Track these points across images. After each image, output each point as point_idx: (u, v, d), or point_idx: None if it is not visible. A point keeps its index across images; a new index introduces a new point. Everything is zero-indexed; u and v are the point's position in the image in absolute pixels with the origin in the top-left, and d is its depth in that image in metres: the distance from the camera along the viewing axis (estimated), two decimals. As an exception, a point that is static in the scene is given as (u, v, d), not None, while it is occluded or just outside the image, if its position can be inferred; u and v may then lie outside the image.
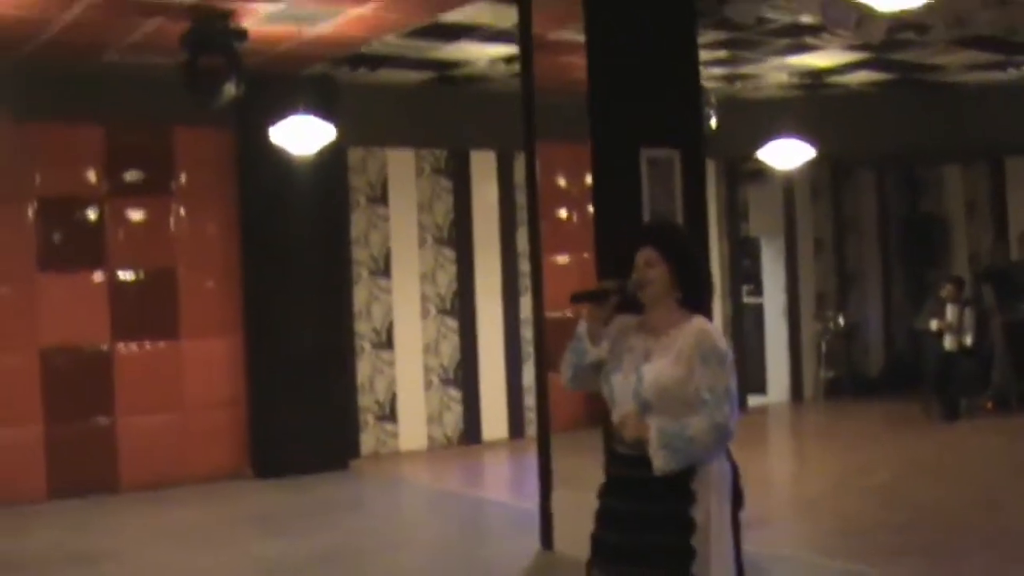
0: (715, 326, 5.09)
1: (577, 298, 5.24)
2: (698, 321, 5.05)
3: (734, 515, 5.11)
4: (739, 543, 5.14)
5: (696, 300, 5.14)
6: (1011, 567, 9.00)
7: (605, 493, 5.21)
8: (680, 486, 4.93)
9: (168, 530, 11.83)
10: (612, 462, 5.19)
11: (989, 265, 18.90)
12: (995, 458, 14.15)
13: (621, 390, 5.09)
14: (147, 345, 14.02)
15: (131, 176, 14.05)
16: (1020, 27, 13.42)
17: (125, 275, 13.96)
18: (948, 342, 16.73)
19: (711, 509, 4.94)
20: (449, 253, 16.24)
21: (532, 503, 10.62)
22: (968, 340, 16.75)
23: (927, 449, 14.80)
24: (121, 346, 13.85)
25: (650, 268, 5.10)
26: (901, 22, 12.60)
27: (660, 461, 4.89)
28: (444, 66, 14.47)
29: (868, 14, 10.89)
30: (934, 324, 16.84)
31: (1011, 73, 16.35)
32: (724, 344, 5.02)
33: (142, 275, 14.05)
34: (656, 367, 4.99)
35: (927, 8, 9.81)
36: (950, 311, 16.79)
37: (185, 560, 10.46)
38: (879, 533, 10.27)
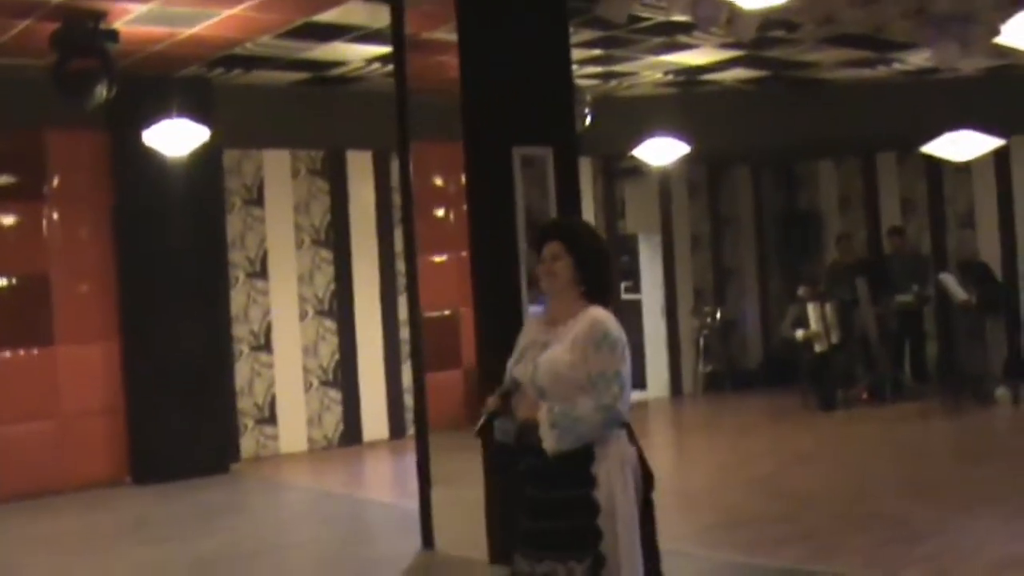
0: (609, 315, 5.25)
1: (482, 432, 5.42)
2: (593, 310, 5.24)
3: (646, 497, 5.31)
4: (652, 523, 5.36)
5: (599, 293, 5.34)
6: (885, 549, 9.17)
7: (520, 483, 5.39)
8: (581, 471, 5.12)
9: (46, 538, 11.68)
10: (523, 454, 5.32)
11: (862, 258, 19.19)
12: (870, 447, 14.39)
13: (523, 380, 5.30)
14: (21, 352, 13.82)
15: (2, 180, 13.84)
16: (887, 25, 13.64)
17: (-3, 281, 13.77)
18: (817, 345, 16.99)
19: (614, 491, 5.11)
20: (326, 254, 16.19)
21: (413, 502, 10.63)
22: (835, 338, 17.02)
23: (805, 440, 15.02)
24: (-6, 353, 13.66)
25: (556, 261, 5.34)
26: (771, 20, 12.76)
27: (551, 440, 5.10)
28: (319, 66, 14.43)
29: (737, 11, 11.04)
30: (799, 334, 17.10)
31: (880, 70, 16.61)
32: (617, 331, 5.20)
33: (14, 281, 13.85)
34: (550, 355, 5.21)
35: (796, 6, 9.98)
36: (811, 311, 17.04)
37: (63, 568, 10.36)
38: (760, 524, 10.39)
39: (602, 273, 5.39)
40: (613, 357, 5.13)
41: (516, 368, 5.36)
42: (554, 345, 5.23)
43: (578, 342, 5.15)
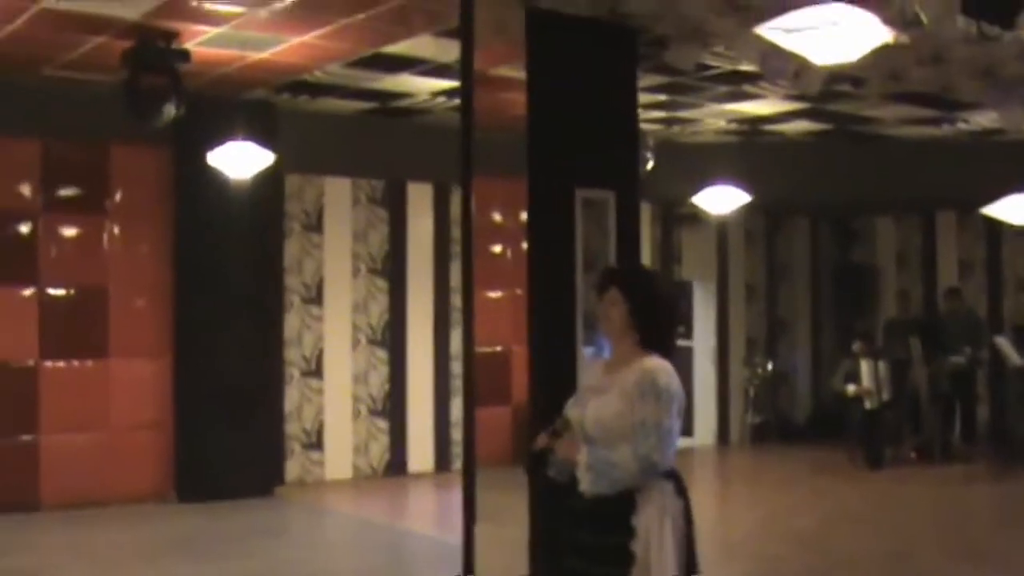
0: (665, 365, 5.25)
1: (530, 468, 5.52)
2: (648, 360, 5.25)
3: (689, 550, 5.31)
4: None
5: (655, 341, 5.35)
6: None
7: (560, 524, 5.45)
8: (621, 520, 5.13)
9: (88, 551, 11.74)
10: (569, 496, 5.35)
11: (918, 317, 19.11)
12: (917, 507, 14.27)
13: (574, 426, 5.36)
14: (75, 363, 13.92)
15: (66, 192, 13.98)
16: (954, 85, 13.60)
17: (55, 291, 13.86)
18: (867, 402, 16.87)
19: (651, 543, 5.11)
20: (382, 284, 16.24)
21: (455, 536, 10.60)
22: (886, 396, 16.91)
23: (851, 497, 14.91)
24: (48, 363, 13.74)
25: (612, 307, 5.38)
26: (838, 74, 12.75)
27: (586, 483, 5.16)
28: (385, 97, 14.50)
29: (806, 65, 11.03)
30: (851, 389, 16.98)
31: (945, 129, 16.56)
32: (666, 380, 5.19)
33: (73, 292, 13.96)
34: (600, 402, 5.24)
35: (863, 62, 9.96)
36: (864, 368, 16.92)
37: (103, 581, 10.40)
38: (799, 579, 10.34)
39: (659, 322, 5.41)
40: (657, 407, 5.13)
41: (571, 411, 5.40)
42: (607, 392, 5.25)
43: (627, 391, 5.17)
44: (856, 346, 17.34)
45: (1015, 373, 16.95)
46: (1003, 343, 17.13)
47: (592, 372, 5.57)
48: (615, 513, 5.13)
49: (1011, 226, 16.96)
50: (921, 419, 17.52)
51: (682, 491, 5.29)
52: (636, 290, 5.41)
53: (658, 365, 5.23)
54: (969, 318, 18.21)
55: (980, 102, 14.46)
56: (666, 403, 5.15)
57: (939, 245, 19.98)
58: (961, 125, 16.32)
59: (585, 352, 9.49)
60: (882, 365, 16.97)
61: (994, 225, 17.67)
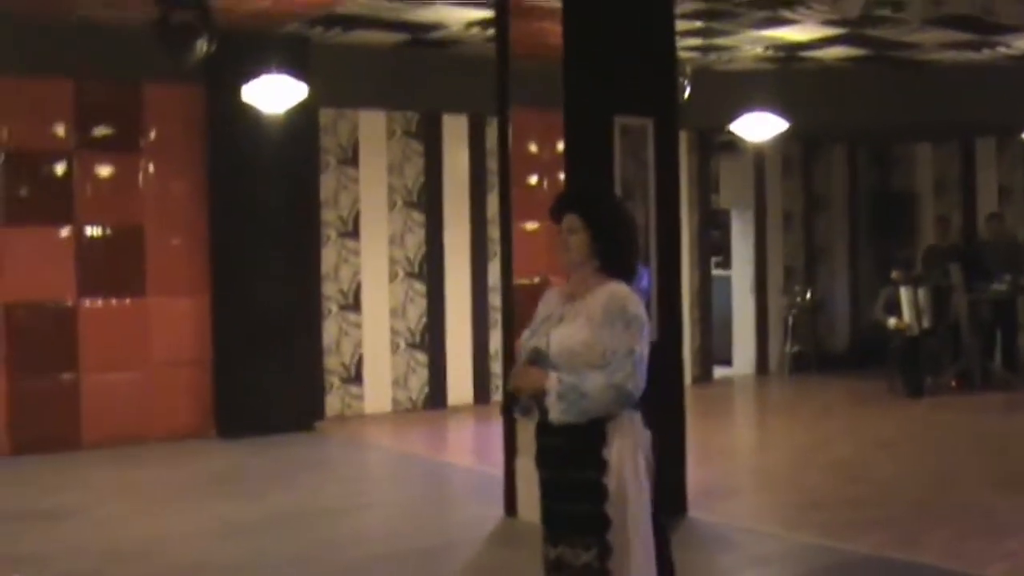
0: (629, 290, 5.06)
1: (507, 408, 5.30)
2: (612, 285, 5.05)
3: (653, 484, 5.11)
4: (657, 511, 5.13)
5: (616, 268, 5.14)
6: (970, 542, 9.03)
7: (537, 462, 5.24)
8: (592, 454, 4.96)
9: (130, 488, 11.79)
10: (538, 431, 5.18)
11: (958, 244, 18.98)
12: (956, 435, 14.20)
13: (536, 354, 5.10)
14: (113, 302, 13.95)
15: (100, 131, 13.95)
16: (996, 7, 13.43)
17: (92, 231, 13.87)
18: (908, 331, 16.74)
19: (625, 477, 4.95)
20: (418, 217, 16.20)
21: (496, 469, 10.62)
22: (926, 324, 16.77)
23: (891, 425, 14.85)
24: (86, 302, 13.77)
25: (572, 234, 5.14)
26: (878, -2, 12.61)
27: (555, 411, 4.92)
28: (418, 29, 14.40)
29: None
30: (892, 322, 16.83)
31: (985, 53, 16.36)
32: (635, 308, 5.01)
33: (109, 231, 13.96)
34: (564, 330, 5.03)
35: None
36: (904, 295, 16.76)
37: (146, 518, 10.43)
38: (840, 508, 10.29)
39: (621, 248, 5.19)
40: (627, 334, 4.93)
41: (530, 342, 5.15)
42: (567, 320, 5.06)
43: (593, 318, 4.97)
44: (895, 274, 17.20)
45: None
46: (1045, 269, 17.02)
47: (549, 300, 5.32)
48: (586, 447, 4.95)
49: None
50: (961, 347, 17.41)
51: (650, 423, 5.11)
52: (597, 215, 5.18)
53: (626, 292, 5.04)
54: (1010, 244, 18.06)
55: (1021, 25, 14.28)
56: (637, 330, 4.97)
57: (979, 171, 19.81)
58: (1001, 49, 16.12)
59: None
60: (922, 292, 16.83)
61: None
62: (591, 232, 5.12)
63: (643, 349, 4.98)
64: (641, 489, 5.00)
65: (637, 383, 4.95)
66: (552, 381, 4.93)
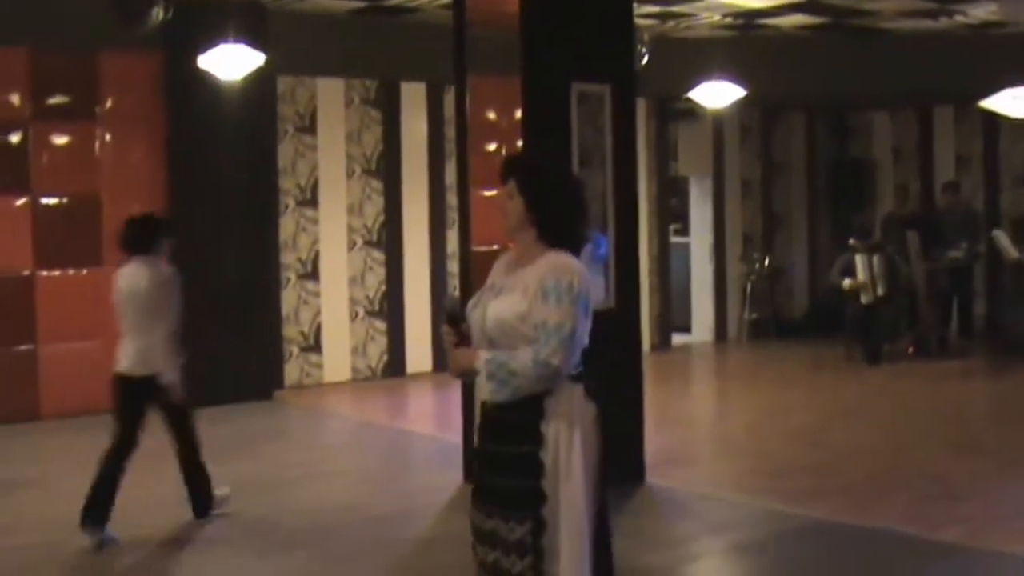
0: (570, 262, 4.88)
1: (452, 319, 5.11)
2: (553, 256, 4.89)
3: (600, 461, 4.97)
4: (601, 489, 4.99)
5: (553, 238, 4.96)
6: (926, 506, 9.13)
7: (477, 434, 5.15)
8: (529, 428, 4.83)
9: (89, 458, 11.63)
10: (480, 403, 5.08)
11: (914, 212, 19.07)
12: (914, 401, 14.29)
13: (473, 327, 4.99)
14: (70, 272, 13.87)
15: (56, 100, 13.85)
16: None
17: (48, 201, 13.78)
18: (863, 296, 16.83)
19: (561, 452, 4.81)
20: (377, 184, 16.16)
21: (455, 436, 10.64)
22: (881, 290, 16.84)
23: (848, 392, 14.95)
24: (43, 273, 13.70)
25: (508, 200, 5.01)
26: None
27: (485, 391, 4.84)
28: (376, -4, 14.37)
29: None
30: (846, 283, 16.92)
31: (943, 22, 16.41)
32: (571, 279, 4.81)
33: (65, 201, 13.88)
34: (501, 303, 4.88)
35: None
36: (859, 261, 16.84)
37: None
38: (799, 474, 10.36)
39: (560, 216, 5.00)
40: (559, 308, 4.74)
41: (472, 312, 5.01)
42: (506, 291, 4.90)
43: (529, 289, 4.81)
44: (853, 240, 17.27)
45: (1012, 267, 16.94)
46: (1000, 237, 17.12)
47: (498, 268, 5.17)
48: (522, 422, 4.82)
49: (1008, 119, 16.89)
50: (918, 314, 17.51)
51: (592, 395, 4.95)
52: (532, 182, 5.01)
53: (562, 262, 4.85)
54: (967, 212, 18.15)
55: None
56: (569, 303, 4.77)
57: (936, 139, 19.91)
58: (959, 18, 16.17)
59: (584, 249, 9.45)
60: (877, 259, 16.90)
61: (992, 119, 17.61)
62: (526, 199, 4.97)
63: (576, 323, 4.80)
64: (577, 465, 4.85)
65: (564, 358, 4.77)
66: (480, 361, 4.83)
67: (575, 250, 4.98)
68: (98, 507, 8.75)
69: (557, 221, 4.99)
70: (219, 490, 9.40)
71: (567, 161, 9.39)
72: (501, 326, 4.83)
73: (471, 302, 5.10)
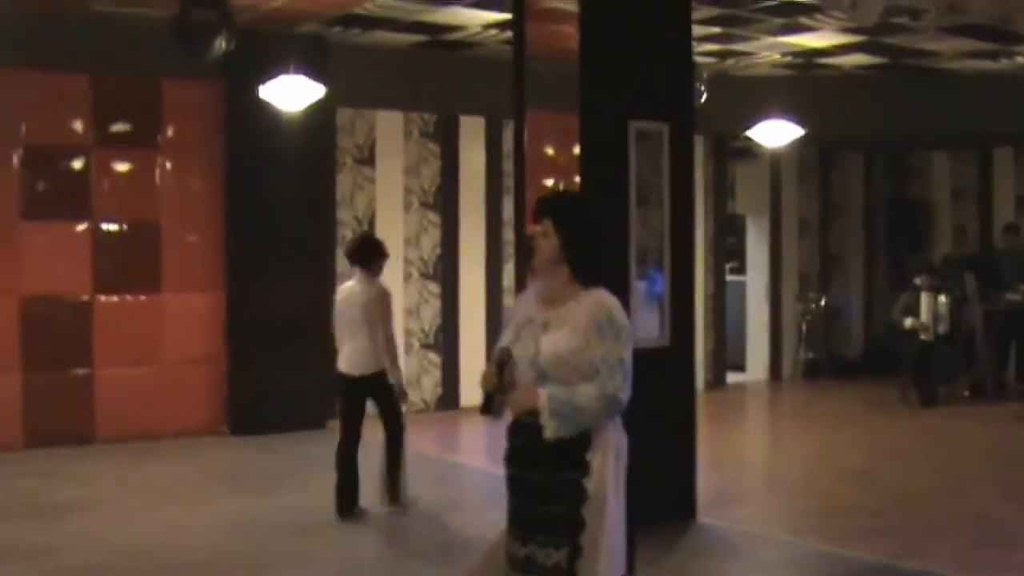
0: (613, 299, 5.13)
1: (486, 410, 5.23)
2: (596, 294, 5.11)
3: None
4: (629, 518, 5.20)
5: (590, 275, 5.16)
6: (980, 552, 9.04)
7: (510, 461, 5.25)
8: (575, 457, 5.00)
9: (141, 483, 11.82)
10: (515, 431, 5.20)
11: (974, 253, 18.96)
12: (969, 445, 14.18)
13: (521, 361, 5.12)
14: (128, 298, 14.01)
15: (118, 127, 14.02)
16: (1014, 16, 13.41)
17: (109, 227, 13.93)
18: (923, 335, 16.73)
19: (606, 481, 5.00)
20: (434, 218, 16.22)
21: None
22: (942, 329, 16.75)
23: (903, 434, 14.85)
24: (102, 298, 13.83)
25: (543, 238, 5.18)
26: (896, 6, 12.60)
27: (550, 429, 4.95)
28: (436, 30, 14.43)
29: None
30: (908, 322, 16.82)
31: (1003, 63, 16.34)
32: (621, 317, 5.07)
33: (125, 227, 14.02)
34: (553, 338, 5.05)
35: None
36: (924, 301, 16.76)
37: (155, 513, 10.46)
38: (852, 515, 10.29)
39: (594, 255, 5.21)
40: (617, 344, 4.99)
41: (515, 346, 5.16)
42: (554, 327, 5.09)
43: (579, 326, 5.01)
44: (920, 279, 17.13)
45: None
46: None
47: (525, 305, 5.34)
48: (569, 450, 5.00)
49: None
50: (975, 357, 17.39)
51: (626, 427, 5.18)
52: (568, 222, 5.19)
53: (611, 301, 5.10)
54: (1025, 255, 18.03)
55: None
56: (626, 339, 5.04)
57: (995, 181, 19.79)
58: (1019, 59, 16.11)
59: (638, 286, 9.46)
60: (942, 299, 16.81)
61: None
62: (561, 239, 5.14)
63: (629, 357, 5.05)
64: (618, 493, 5.07)
65: (627, 392, 5.02)
66: (543, 399, 4.97)
67: (608, 287, 5.17)
68: (347, 499, 10.24)
69: (592, 261, 5.18)
70: (411, 491, 10.67)
71: (625, 199, 9.40)
72: (557, 361, 5.00)
73: (504, 335, 5.28)
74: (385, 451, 10.63)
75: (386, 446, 10.60)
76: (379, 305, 10.19)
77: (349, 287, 10.48)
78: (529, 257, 5.34)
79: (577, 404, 4.93)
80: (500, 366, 5.12)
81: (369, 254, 10.46)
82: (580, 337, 4.99)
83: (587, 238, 5.21)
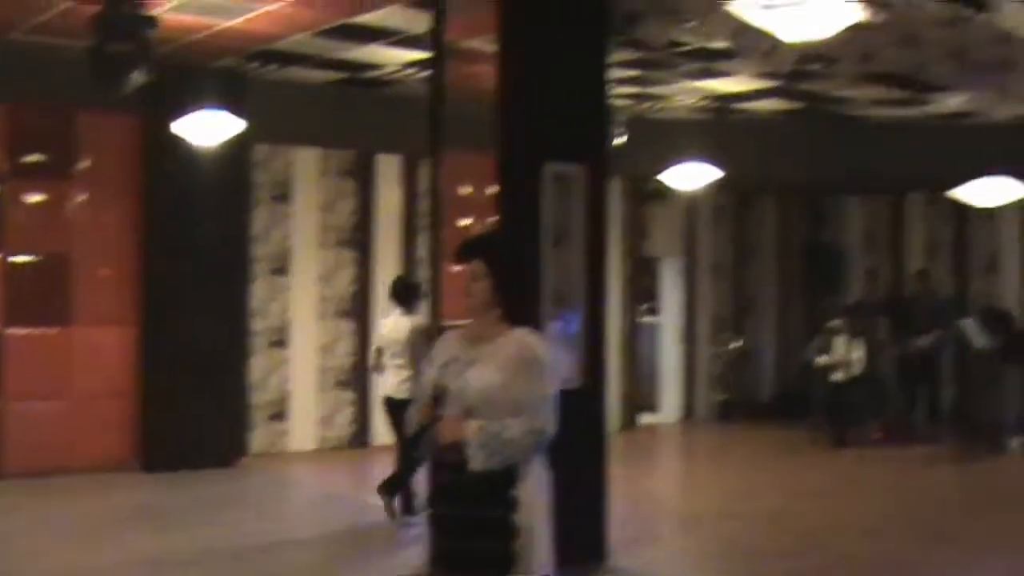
0: (538, 336, 5.25)
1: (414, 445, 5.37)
2: (521, 332, 5.19)
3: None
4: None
5: (515, 313, 5.25)
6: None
7: (435, 501, 5.26)
8: (503, 493, 5.02)
9: (49, 520, 11.69)
10: (438, 469, 5.21)
11: (886, 297, 19.19)
12: (879, 487, 14.31)
13: (449, 396, 5.13)
14: (39, 331, 13.84)
15: (32, 158, 13.88)
16: (926, 66, 13.60)
17: (20, 258, 13.77)
18: (837, 374, 16.91)
19: (534, 515, 5.05)
20: (350, 255, 16.19)
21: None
22: (857, 371, 16.95)
23: (814, 476, 14.96)
24: (12, 330, 13.66)
25: (474, 281, 5.22)
26: (810, 53, 12.74)
27: (478, 461, 4.97)
28: (354, 68, 14.44)
29: (777, 43, 11.02)
30: (822, 359, 17.02)
31: (916, 111, 16.56)
32: (545, 353, 5.16)
33: (38, 259, 13.87)
34: (480, 373, 5.09)
35: (835, 41, 9.95)
36: (840, 343, 16.95)
37: (64, 551, 10.34)
38: (762, 558, 10.36)
39: (516, 296, 5.30)
40: (542, 380, 5.07)
41: (442, 381, 5.17)
42: (481, 363, 5.13)
43: (507, 363, 5.08)
44: (837, 322, 17.32)
45: (979, 356, 17.02)
46: (968, 326, 17.20)
47: (449, 343, 5.37)
48: (497, 486, 5.02)
49: (978, 209, 17.05)
50: (886, 399, 17.58)
51: (555, 465, 5.24)
52: (500, 264, 5.26)
53: (534, 338, 5.19)
54: (936, 300, 18.25)
55: (951, 84, 14.48)
56: (550, 375, 5.11)
57: (907, 226, 20.04)
58: (931, 108, 16.32)
59: (554, 327, 9.47)
60: (857, 342, 17.01)
61: (962, 207, 17.75)
62: (493, 280, 5.20)
63: (555, 393, 5.11)
64: (546, 527, 5.11)
65: (554, 426, 5.07)
66: (473, 429, 4.99)
67: (532, 326, 5.27)
68: (406, 499, 11.66)
69: (519, 299, 5.30)
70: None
71: (537, 239, 9.43)
72: (484, 395, 5.05)
73: (430, 372, 5.29)
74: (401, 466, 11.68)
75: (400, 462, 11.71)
76: (420, 337, 11.07)
77: (393, 321, 11.82)
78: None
79: (505, 437, 4.97)
80: (436, 399, 5.13)
81: (411, 296, 11.83)
82: (508, 373, 5.05)
83: (517, 278, 5.36)
